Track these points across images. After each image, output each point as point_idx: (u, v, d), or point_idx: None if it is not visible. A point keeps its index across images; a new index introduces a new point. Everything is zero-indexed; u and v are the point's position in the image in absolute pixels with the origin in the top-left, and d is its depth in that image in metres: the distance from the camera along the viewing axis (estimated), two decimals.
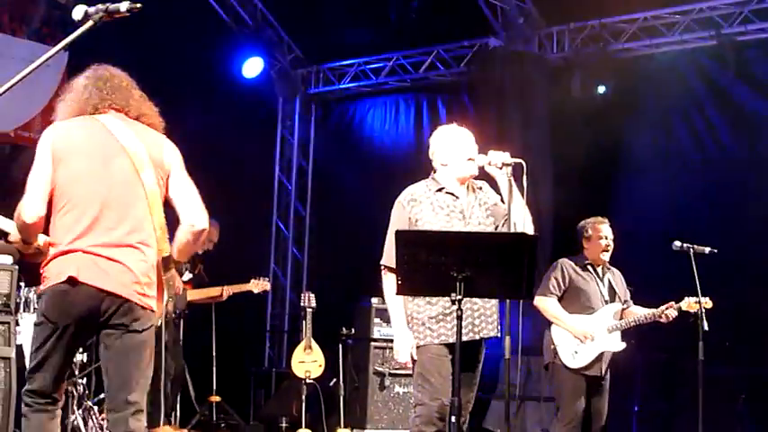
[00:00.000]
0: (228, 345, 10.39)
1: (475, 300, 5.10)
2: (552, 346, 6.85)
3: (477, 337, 5.15)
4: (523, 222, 5.10)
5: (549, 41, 10.56)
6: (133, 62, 9.99)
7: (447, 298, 4.74)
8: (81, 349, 7.77)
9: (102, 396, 7.84)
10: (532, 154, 10.06)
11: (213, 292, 9.22)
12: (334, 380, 9.25)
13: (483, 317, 5.18)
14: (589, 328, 6.81)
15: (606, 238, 6.99)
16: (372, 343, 8.83)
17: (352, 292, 10.03)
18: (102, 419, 7.49)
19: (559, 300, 6.92)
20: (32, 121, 9.92)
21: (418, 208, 5.22)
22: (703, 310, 6.81)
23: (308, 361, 9.03)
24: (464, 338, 4.89)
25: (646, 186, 9.73)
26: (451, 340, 5.00)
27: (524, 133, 10.15)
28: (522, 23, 10.53)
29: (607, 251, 7.01)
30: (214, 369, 10.09)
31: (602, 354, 6.82)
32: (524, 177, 5.07)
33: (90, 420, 7.39)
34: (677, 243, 7.21)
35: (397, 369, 8.72)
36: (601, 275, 7.05)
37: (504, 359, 6.68)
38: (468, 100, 11.11)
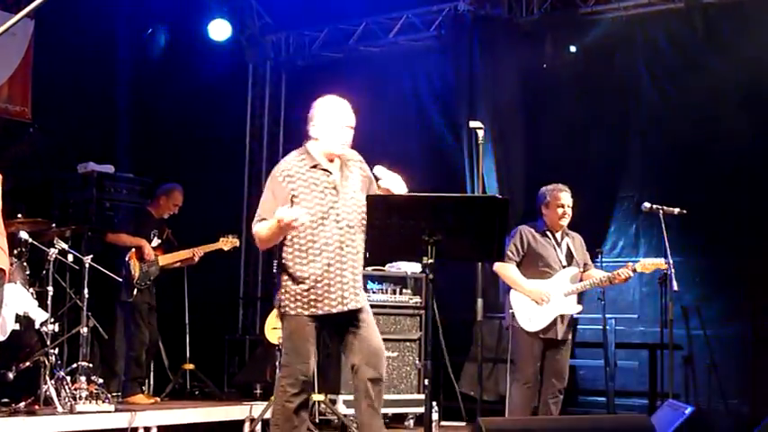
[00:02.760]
0: (201, 312, 10.39)
1: (345, 273, 5.31)
2: (510, 310, 7.00)
3: (346, 309, 5.33)
4: None
5: (518, 4, 10.53)
6: (100, 29, 10.02)
7: (317, 271, 5.23)
8: (52, 319, 7.77)
9: (74, 366, 7.86)
10: (504, 117, 10.09)
11: (184, 254, 9.20)
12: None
13: (352, 289, 5.37)
14: (545, 291, 6.96)
15: (564, 206, 7.11)
16: None
17: None
18: (75, 389, 7.49)
19: (518, 265, 7.06)
20: None
21: (294, 184, 5.36)
22: (673, 271, 6.93)
23: (281, 327, 9.02)
24: (334, 310, 5.27)
25: (617, 147, 9.77)
26: (320, 312, 5.27)
27: (496, 97, 10.15)
28: None
29: (565, 218, 7.14)
30: (187, 337, 10.08)
31: (559, 317, 6.98)
32: None
33: (62, 390, 7.37)
34: (647, 204, 7.32)
35: None
36: (559, 241, 7.19)
37: (477, 321, 6.80)
38: (439, 64, 11.08)
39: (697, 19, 9.46)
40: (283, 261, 5.38)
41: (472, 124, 6.50)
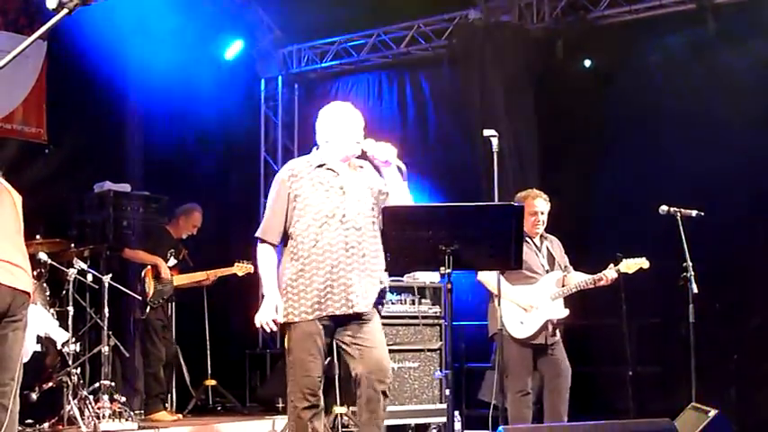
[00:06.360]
0: (222, 328, 10.41)
1: (351, 276, 5.18)
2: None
3: (352, 312, 5.20)
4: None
5: (528, 11, 10.53)
6: (112, 48, 10.06)
7: (320, 272, 5.14)
8: (74, 339, 7.80)
9: (96, 385, 7.89)
10: (517, 124, 10.08)
11: (198, 276, 9.28)
12: (329, 359, 9.23)
13: (361, 291, 5.23)
14: (532, 297, 7.01)
15: (539, 213, 7.15)
16: None
17: None
18: (98, 408, 7.51)
19: (503, 273, 6.97)
20: (14, 113, 9.89)
21: (298, 183, 5.30)
22: (692, 273, 6.91)
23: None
24: (337, 312, 5.16)
25: (632, 151, 9.72)
26: (325, 314, 5.17)
27: (508, 104, 10.14)
28: None
29: (539, 225, 7.18)
30: (208, 353, 10.12)
31: (546, 322, 7.01)
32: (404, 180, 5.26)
33: (86, 410, 7.40)
34: (664, 207, 7.29)
35: (390, 345, 8.72)
36: (538, 246, 7.23)
37: (497, 330, 6.78)
38: (451, 73, 11.09)
39: (709, 19, 9.43)
40: (286, 266, 5.30)
41: (486, 133, 6.48)
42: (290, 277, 5.24)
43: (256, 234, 5.41)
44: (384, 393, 5.23)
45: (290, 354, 5.30)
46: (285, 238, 5.33)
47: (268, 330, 5.29)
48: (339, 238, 5.18)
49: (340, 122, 5.37)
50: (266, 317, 5.22)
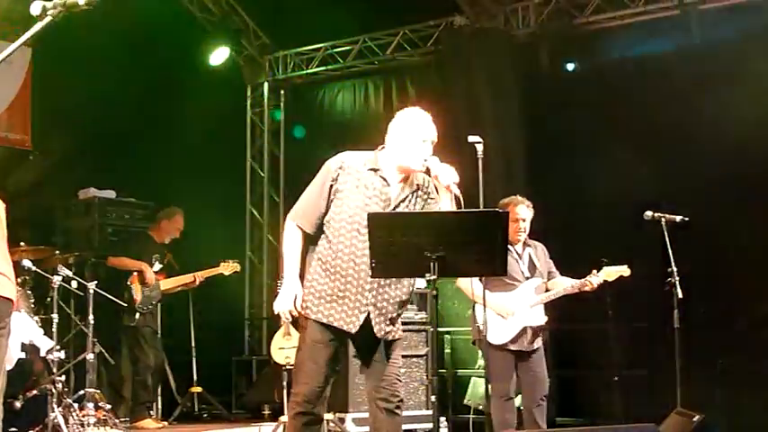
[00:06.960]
0: (208, 335, 10.40)
1: (366, 294, 4.91)
2: (476, 324, 6.94)
3: (353, 331, 4.92)
4: None
5: (514, 17, 10.56)
6: (98, 55, 10.04)
7: (341, 278, 4.89)
8: (58, 347, 7.77)
9: (81, 392, 7.86)
10: (504, 129, 10.08)
11: (185, 279, 9.28)
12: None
13: (371, 315, 4.92)
14: (510, 304, 6.99)
15: (520, 221, 7.11)
16: None
17: None
18: (83, 416, 7.48)
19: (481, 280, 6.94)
20: None
21: (344, 178, 4.95)
22: (677, 278, 6.92)
23: (287, 347, 9.01)
24: (345, 327, 4.89)
25: (617, 155, 9.74)
26: (336, 324, 4.91)
27: (495, 109, 10.15)
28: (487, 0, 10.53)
29: (521, 232, 7.14)
30: (194, 360, 10.10)
31: (525, 328, 6.99)
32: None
33: (70, 417, 7.37)
34: (648, 213, 7.30)
35: None
36: (520, 253, 7.19)
37: (482, 335, 6.78)
38: (437, 79, 11.09)
39: (693, 25, 9.46)
40: (314, 266, 4.99)
41: (471, 139, 6.48)
42: (317, 279, 4.96)
43: (288, 215, 5.06)
44: (390, 412, 4.94)
45: (298, 352, 5.06)
46: (318, 232, 4.99)
47: (288, 318, 5.08)
48: (366, 251, 4.73)
49: (410, 132, 5.02)
50: (284, 306, 4.93)
